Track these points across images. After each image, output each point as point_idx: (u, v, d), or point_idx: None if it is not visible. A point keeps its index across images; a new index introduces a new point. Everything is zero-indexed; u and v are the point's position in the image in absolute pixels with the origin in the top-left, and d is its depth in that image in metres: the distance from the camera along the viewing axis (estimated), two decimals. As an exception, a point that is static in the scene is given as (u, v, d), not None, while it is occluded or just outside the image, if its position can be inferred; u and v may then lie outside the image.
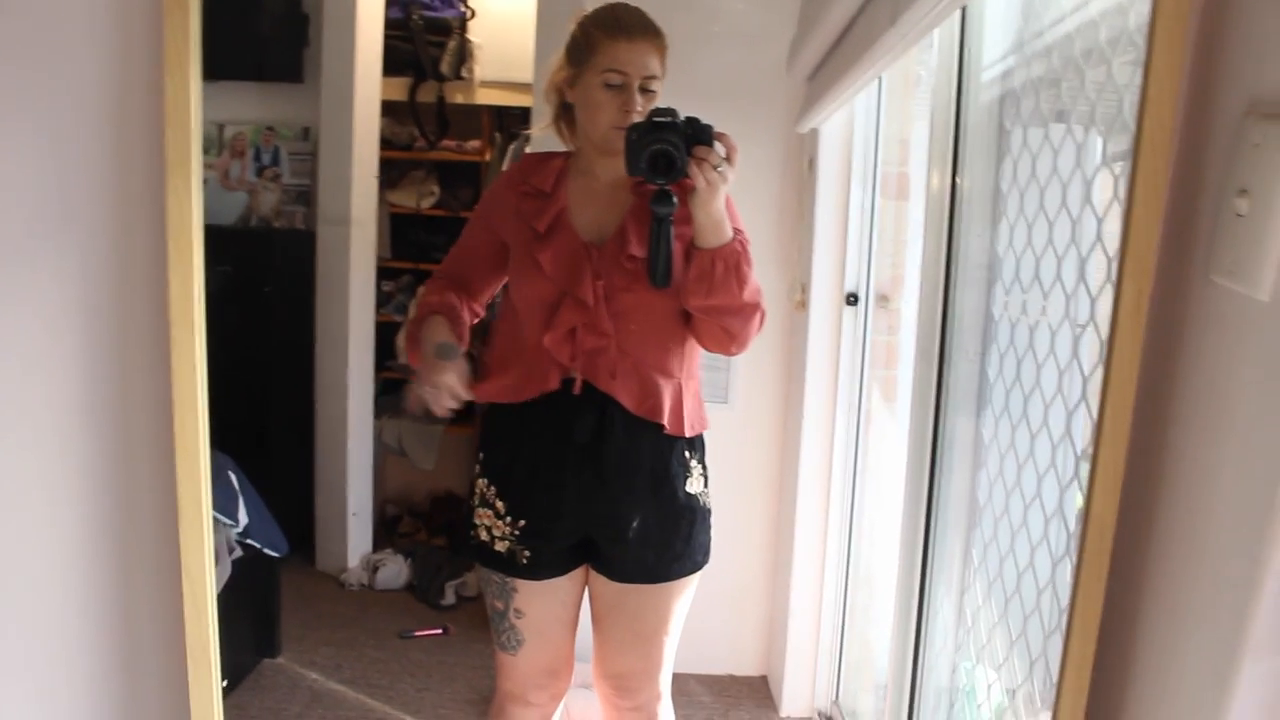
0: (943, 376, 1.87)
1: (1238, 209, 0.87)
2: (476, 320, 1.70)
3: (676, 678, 1.77)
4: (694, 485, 1.63)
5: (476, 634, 2.95)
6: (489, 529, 1.63)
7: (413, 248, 3.69)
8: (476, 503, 1.65)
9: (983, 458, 1.76)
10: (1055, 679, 1.08)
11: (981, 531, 1.74)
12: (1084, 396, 1.37)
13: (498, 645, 1.70)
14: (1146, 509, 1.02)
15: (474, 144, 3.67)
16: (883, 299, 2.50)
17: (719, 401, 2.65)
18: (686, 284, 1.51)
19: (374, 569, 3.30)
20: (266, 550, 2.54)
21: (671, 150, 1.42)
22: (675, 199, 1.47)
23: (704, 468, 1.66)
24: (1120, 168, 1.26)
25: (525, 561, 1.62)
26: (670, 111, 1.44)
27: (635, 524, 1.60)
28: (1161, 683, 0.98)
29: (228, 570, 2.30)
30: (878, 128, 2.46)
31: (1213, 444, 0.92)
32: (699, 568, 1.67)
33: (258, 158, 3.30)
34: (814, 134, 2.50)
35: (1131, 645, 1.03)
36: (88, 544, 1.32)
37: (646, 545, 1.61)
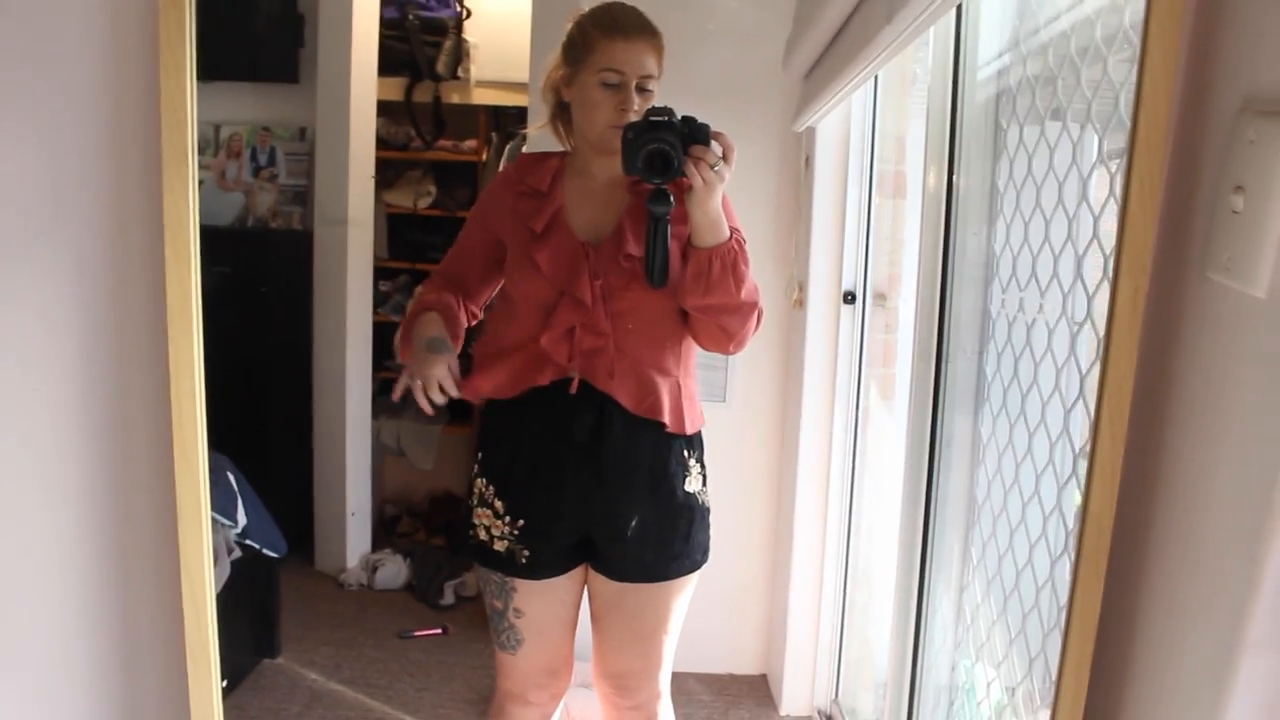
0: (940, 374, 1.87)
1: (1233, 206, 0.87)
2: (475, 322, 1.70)
3: (676, 676, 1.77)
4: (693, 484, 1.63)
5: (476, 634, 2.95)
6: (488, 529, 1.63)
7: (409, 247, 3.68)
8: (475, 502, 1.65)
9: (981, 455, 1.76)
10: (1054, 676, 1.08)
11: (980, 529, 1.75)
12: (1081, 394, 1.37)
13: (497, 645, 1.70)
14: (1144, 506, 1.02)
15: (470, 144, 3.66)
16: (880, 297, 2.50)
17: (717, 400, 2.65)
18: (684, 283, 1.51)
19: (373, 569, 3.30)
20: (265, 551, 2.54)
21: (668, 149, 1.42)
22: (672, 198, 1.47)
23: (702, 466, 1.66)
24: (1116, 165, 1.26)
25: (524, 561, 1.62)
26: (667, 110, 1.44)
27: (634, 523, 1.60)
28: (1160, 680, 0.98)
29: (227, 571, 2.30)
30: (874, 126, 2.46)
31: (1210, 441, 0.92)
32: (698, 566, 1.67)
33: (254, 158, 3.30)
34: (810, 132, 2.50)
35: (1130, 643, 1.03)
36: (87, 545, 1.32)
37: (645, 544, 1.61)
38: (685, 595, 1.69)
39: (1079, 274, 1.39)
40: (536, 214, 1.58)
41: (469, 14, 3.52)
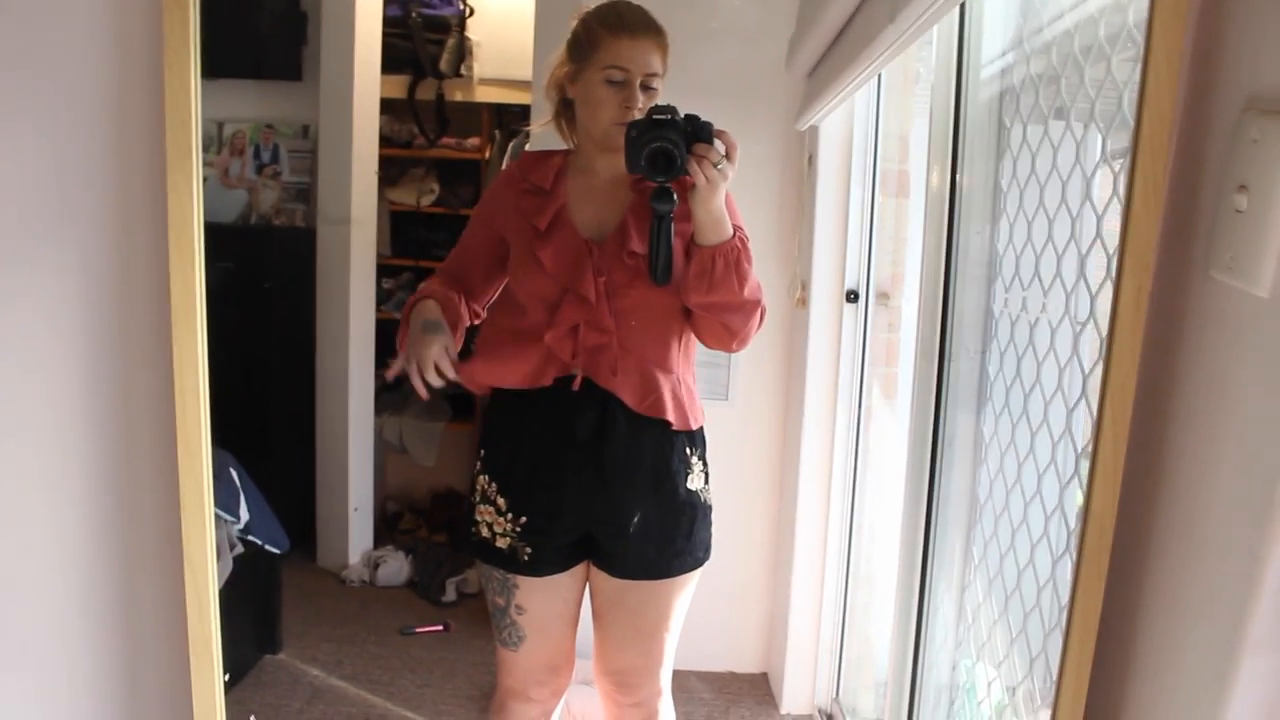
0: (943, 373, 1.87)
1: (1237, 205, 0.87)
2: (477, 321, 1.70)
3: (677, 674, 1.78)
4: (695, 482, 1.64)
5: (477, 630, 2.95)
6: (490, 525, 1.63)
7: (413, 245, 3.69)
8: (477, 499, 1.65)
9: (983, 455, 1.76)
10: (1055, 676, 1.08)
11: (982, 528, 1.75)
12: (1084, 393, 1.37)
13: (499, 641, 1.71)
14: (1146, 506, 1.02)
15: (473, 141, 3.67)
16: (883, 296, 2.50)
17: (719, 398, 2.65)
18: (687, 281, 1.51)
19: (375, 566, 3.31)
20: (268, 547, 2.54)
21: (671, 148, 1.42)
22: (675, 196, 1.47)
23: (705, 464, 1.66)
24: (1120, 164, 1.26)
25: (526, 558, 1.62)
26: (670, 109, 1.44)
27: (636, 520, 1.60)
28: (1161, 680, 0.98)
29: (229, 566, 2.30)
30: (877, 125, 2.46)
31: (1212, 440, 0.92)
32: (700, 564, 1.67)
33: (257, 155, 3.30)
34: (814, 131, 2.50)
35: (1131, 642, 1.03)
36: (90, 540, 1.33)
37: (647, 541, 1.61)
38: (687, 593, 1.69)
39: (1082, 273, 1.39)
40: (540, 211, 1.58)
41: (472, 11, 3.52)
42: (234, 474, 2.39)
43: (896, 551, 2.06)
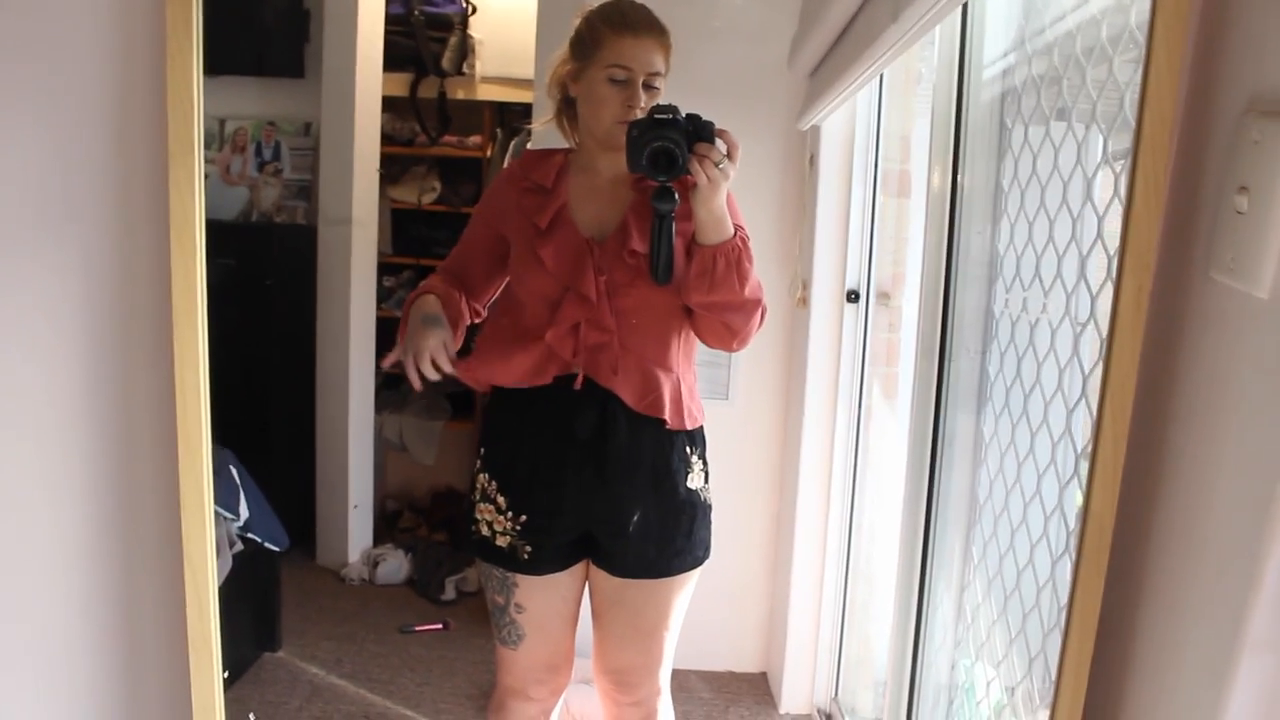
0: (943, 374, 1.87)
1: (1237, 206, 0.87)
2: (478, 320, 1.70)
3: (676, 673, 1.78)
4: (695, 481, 1.64)
5: (476, 629, 2.95)
6: (490, 524, 1.64)
7: (414, 243, 3.69)
8: (477, 498, 1.65)
9: (983, 455, 1.76)
10: (1054, 676, 1.08)
11: (981, 529, 1.75)
12: (1084, 394, 1.37)
13: (498, 640, 1.71)
14: (1146, 506, 1.02)
15: (475, 139, 3.67)
16: (884, 296, 2.50)
17: (720, 398, 2.65)
18: (688, 280, 1.51)
19: (374, 564, 3.31)
20: (267, 544, 2.54)
21: (672, 147, 1.42)
22: (676, 195, 1.47)
23: (705, 463, 1.66)
24: (1121, 165, 1.26)
25: (526, 557, 1.62)
26: (671, 108, 1.45)
27: (636, 518, 1.60)
28: (1160, 680, 0.98)
29: (229, 564, 2.30)
30: (879, 125, 2.46)
31: (1212, 441, 0.92)
32: (699, 563, 1.67)
33: (259, 153, 3.30)
34: (815, 131, 2.50)
35: (1130, 642, 1.03)
36: (90, 537, 1.33)
37: (647, 540, 1.61)
38: (686, 592, 1.69)
39: (1083, 274, 1.39)
40: (541, 210, 1.58)
41: (474, 10, 3.52)
42: (234, 471, 2.39)
43: (896, 551, 2.07)
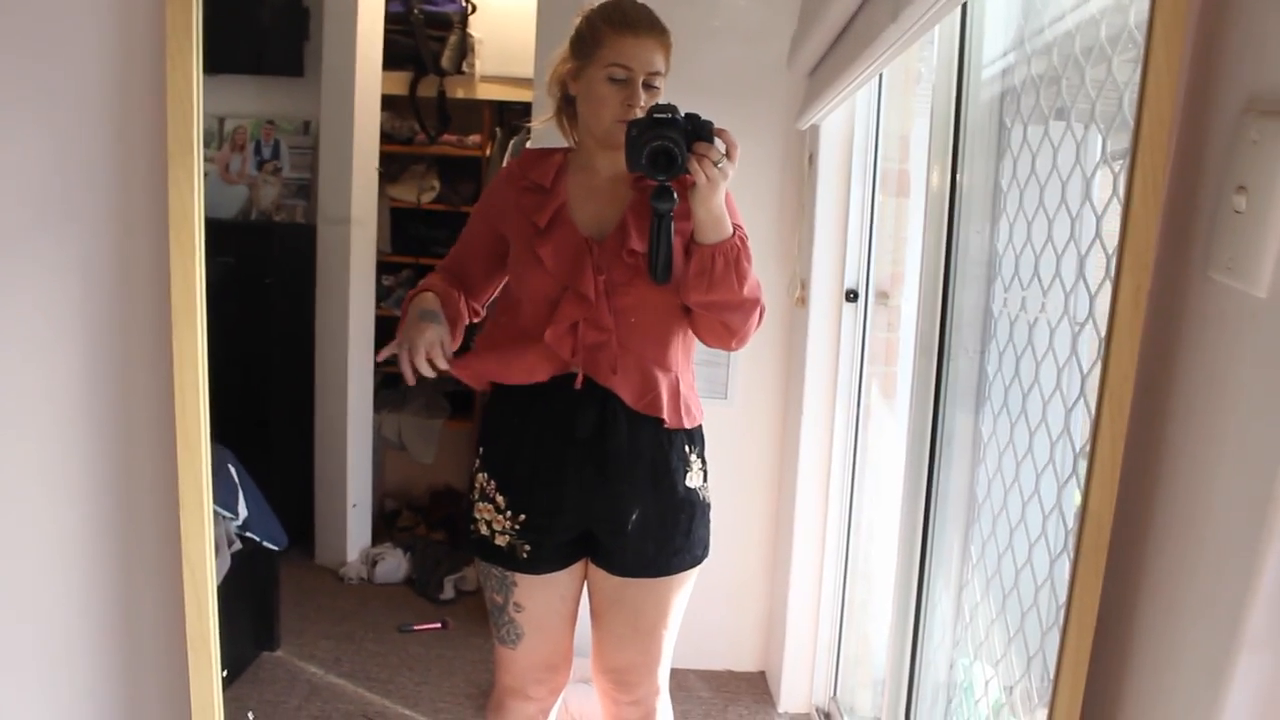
0: (942, 373, 1.87)
1: (1236, 205, 0.87)
2: (477, 319, 1.70)
3: (675, 673, 1.78)
4: (694, 479, 1.64)
5: (475, 628, 2.95)
6: (489, 523, 1.64)
7: (413, 242, 3.69)
8: (476, 497, 1.65)
9: (981, 454, 1.76)
10: (1052, 675, 1.09)
11: (980, 528, 1.75)
12: (1082, 393, 1.37)
13: (497, 639, 1.71)
14: (1144, 505, 1.02)
15: (474, 139, 3.67)
16: (882, 295, 2.50)
17: (718, 397, 2.65)
18: (686, 279, 1.51)
19: (373, 563, 3.30)
20: (266, 544, 2.54)
21: (671, 146, 1.42)
22: (675, 195, 1.47)
23: (704, 462, 1.66)
24: (1120, 165, 1.26)
25: (525, 556, 1.62)
26: (670, 108, 1.45)
27: (635, 517, 1.60)
28: (1158, 678, 0.99)
29: (227, 563, 2.30)
30: (878, 124, 2.46)
31: (1210, 440, 0.92)
32: (698, 562, 1.67)
33: (258, 151, 3.30)
34: (814, 130, 2.50)
35: (1128, 641, 1.03)
36: (89, 536, 1.33)
37: (646, 538, 1.61)
38: (685, 590, 1.69)
39: (1081, 273, 1.39)
40: (540, 209, 1.58)
41: (474, 9, 3.52)
42: (232, 470, 2.39)
43: (895, 550, 2.07)
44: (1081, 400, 1.38)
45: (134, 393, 1.30)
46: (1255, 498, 0.83)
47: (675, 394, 1.60)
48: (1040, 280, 1.53)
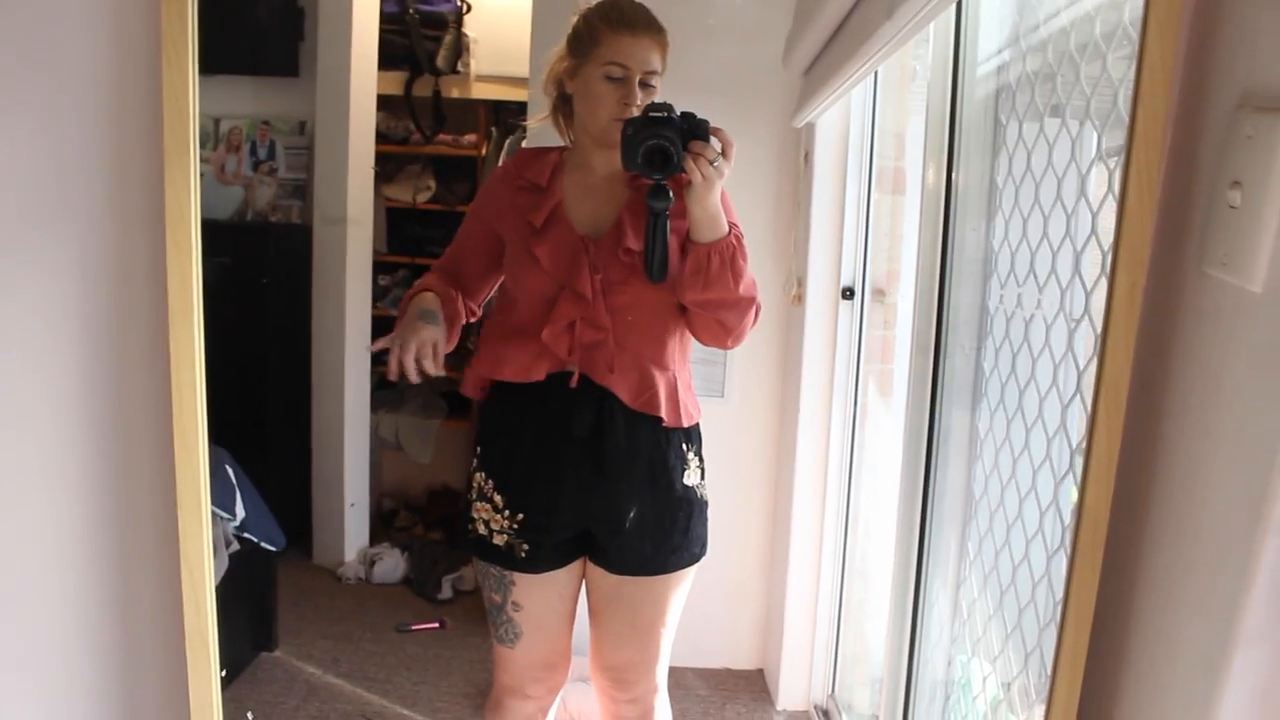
0: (938, 370, 1.87)
1: (1231, 201, 0.88)
2: (473, 319, 1.70)
3: (673, 671, 1.78)
4: (691, 477, 1.64)
5: (473, 628, 2.96)
6: (487, 523, 1.64)
7: (409, 242, 3.69)
8: (474, 497, 1.65)
9: (978, 451, 1.76)
10: (1050, 671, 1.09)
11: (977, 525, 1.75)
12: (1079, 389, 1.37)
13: (495, 638, 1.71)
14: (1140, 501, 1.02)
15: (470, 138, 3.67)
16: (878, 293, 2.50)
17: (716, 395, 2.65)
18: (682, 278, 1.51)
19: (371, 563, 3.31)
20: (264, 544, 2.54)
21: (667, 145, 1.42)
22: (671, 193, 1.47)
23: (701, 460, 1.66)
24: (1115, 161, 1.26)
25: (523, 555, 1.62)
26: (666, 106, 1.45)
27: (633, 515, 1.60)
28: (1155, 673, 0.99)
29: (225, 564, 2.30)
30: (873, 122, 2.46)
31: (1206, 435, 0.93)
32: (696, 560, 1.67)
33: (253, 152, 3.29)
34: (810, 128, 2.50)
35: (1126, 637, 1.04)
36: (87, 537, 1.33)
37: (644, 537, 1.61)
38: (683, 589, 1.69)
39: (1077, 270, 1.40)
40: (536, 208, 1.58)
41: (469, 8, 3.52)
42: (230, 471, 2.39)
43: (892, 547, 2.07)
44: (1078, 396, 1.38)
45: (131, 393, 1.30)
46: (1251, 493, 0.84)
47: (672, 392, 1.60)
48: (1036, 277, 1.53)
